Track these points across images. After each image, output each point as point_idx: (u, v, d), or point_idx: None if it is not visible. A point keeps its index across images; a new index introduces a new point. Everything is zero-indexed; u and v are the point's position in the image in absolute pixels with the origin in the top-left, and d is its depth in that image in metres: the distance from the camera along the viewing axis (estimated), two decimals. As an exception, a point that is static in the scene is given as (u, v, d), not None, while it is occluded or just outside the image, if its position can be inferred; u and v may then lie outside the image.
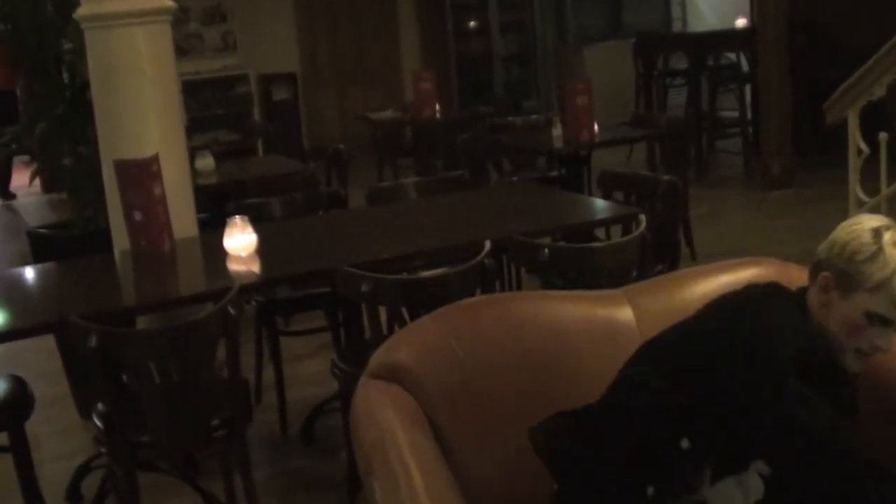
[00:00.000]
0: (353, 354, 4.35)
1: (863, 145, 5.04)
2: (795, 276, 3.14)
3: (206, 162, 6.99)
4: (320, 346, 6.06)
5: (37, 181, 7.83)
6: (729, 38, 11.90)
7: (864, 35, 8.33)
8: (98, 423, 3.87)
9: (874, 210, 5.08)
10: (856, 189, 5.13)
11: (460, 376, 2.89)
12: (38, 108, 6.35)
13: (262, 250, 4.51)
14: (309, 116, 14.28)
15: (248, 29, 13.65)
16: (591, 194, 7.12)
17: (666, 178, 5.46)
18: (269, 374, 5.49)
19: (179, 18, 5.29)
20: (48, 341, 5.03)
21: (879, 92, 4.96)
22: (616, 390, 2.69)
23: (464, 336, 2.97)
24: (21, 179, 11.10)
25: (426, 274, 4.41)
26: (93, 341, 3.57)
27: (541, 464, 2.80)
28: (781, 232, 8.37)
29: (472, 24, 15.13)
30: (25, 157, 11.68)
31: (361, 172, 9.18)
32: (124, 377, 3.82)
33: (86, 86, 5.35)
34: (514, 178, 7.81)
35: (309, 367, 6.01)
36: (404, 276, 4.31)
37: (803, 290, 2.67)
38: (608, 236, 5.56)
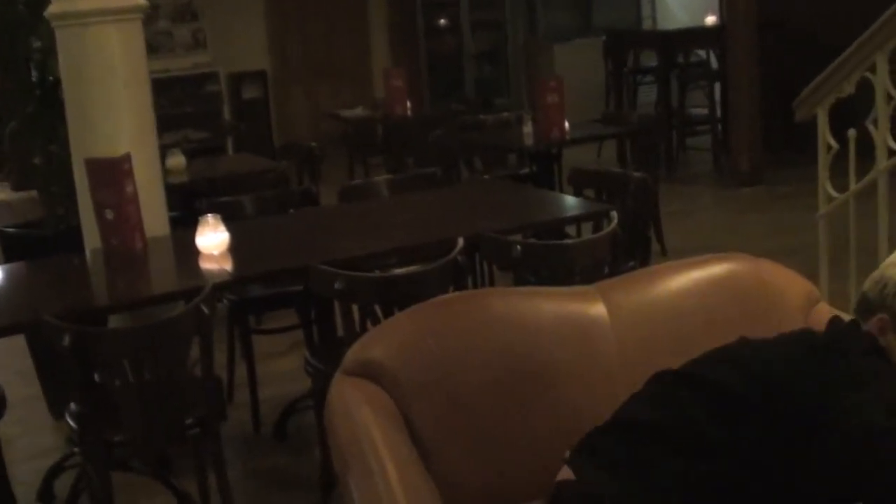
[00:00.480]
0: (326, 352, 4.36)
1: (832, 142, 5.07)
2: (767, 271, 3.17)
3: (177, 160, 6.96)
4: (292, 345, 6.06)
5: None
6: (698, 35, 11.97)
7: (832, 32, 8.37)
8: (71, 422, 3.86)
9: (843, 206, 5.12)
10: (825, 185, 5.15)
11: (435, 373, 2.90)
12: (9, 107, 6.30)
13: (235, 248, 4.51)
14: (279, 114, 14.24)
15: (218, 27, 13.59)
16: (562, 191, 7.13)
17: (637, 174, 5.48)
18: (241, 372, 5.49)
19: (149, 16, 5.27)
20: (19, 341, 5.01)
21: (848, 89, 4.98)
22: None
23: (438, 333, 2.98)
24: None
25: (400, 271, 4.42)
26: (66, 340, 3.56)
27: (515, 459, 2.82)
28: (751, 228, 8.42)
29: (442, 21, 15.13)
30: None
31: (332, 170, 9.17)
32: (96, 377, 3.81)
33: (57, 84, 5.33)
34: (486, 176, 7.82)
35: (281, 365, 6.01)
36: (377, 273, 4.31)
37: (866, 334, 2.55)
38: (579, 233, 5.58)
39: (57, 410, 5.31)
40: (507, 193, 5.85)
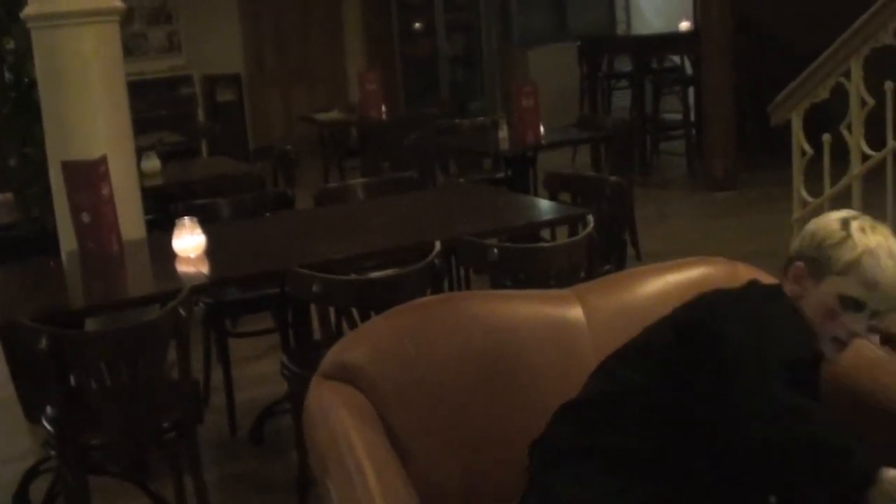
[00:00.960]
0: (303, 355, 4.36)
1: (807, 147, 5.11)
2: (743, 274, 3.18)
3: (152, 163, 6.94)
4: (268, 348, 6.05)
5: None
6: (672, 41, 12.01)
7: (805, 38, 8.43)
8: (48, 426, 3.85)
9: (817, 210, 5.16)
10: (800, 190, 5.19)
11: (413, 376, 2.91)
12: (-17, 108, 6.29)
13: (211, 252, 4.50)
14: (254, 118, 14.23)
15: (193, 29, 13.58)
16: (536, 195, 7.15)
17: (613, 179, 5.50)
18: (216, 376, 5.48)
19: (124, 18, 5.26)
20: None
21: (823, 94, 5.03)
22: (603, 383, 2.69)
23: (416, 336, 2.99)
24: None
25: (377, 274, 4.43)
26: (43, 343, 3.55)
27: (494, 462, 2.83)
28: (725, 232, 8.45)
29: (417, 24, 15.13)
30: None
31: (307, 173, 9.16)
32: (72, 380, 3.80)
33: (33, 86, 5.32)
34: (461, 180, 7.83)
35: (256, 369, 6.00)
36: (353, 276, 4.32)
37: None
38: (553, 237, 5.60)
39: (33, 414, 5.29)
40: (483, 197, 5.86)
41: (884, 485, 2.19)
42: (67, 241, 4.88)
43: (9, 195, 6.59)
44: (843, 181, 4.98)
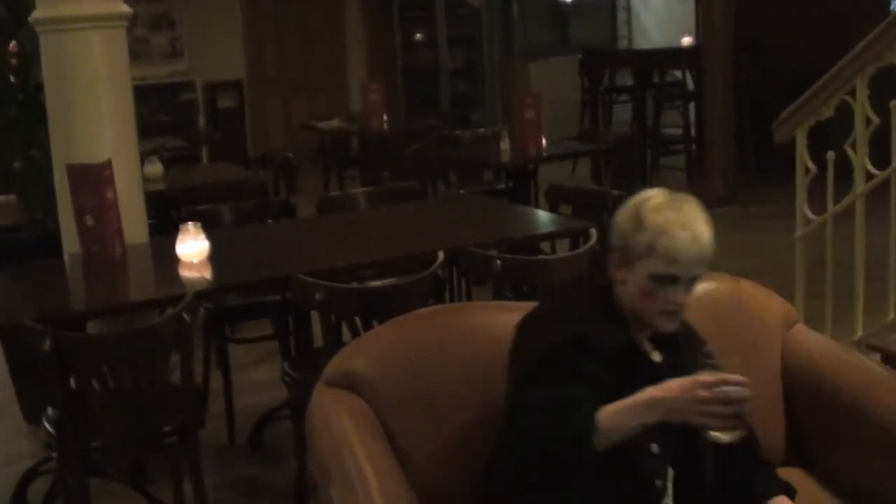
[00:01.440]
0: (304, 362, 4.37)
1: (810, 164, 5.11)
2: (746, 291, 3.21)
3: (155, 168, 6.96)
4: (267, 355, 6.06)
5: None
6: (674, 55, 12.03)
7: (806, 55, 8.47)
8: (49, 427, 3.85)
9: (820, 228, 5.17)
10: (803, 208, 5.19)
11: (416, 385, 2.93)
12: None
13: (214, 257, 4.51)
14: (254, 125, 14.25)
15: (195, 35, 13.60)
16: (537, 207, 7.16)
17: (615, 192, 5.51)
18: (216, 381, 5.48)
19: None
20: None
21: (827, 112, 5.03)
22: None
23: (420, 345, 3.02)
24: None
25: (379, 283, 4.44)
26: (47, 345, 3.56)
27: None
28: (724, 248, 8.32)
29: (419, 36, 15.16)
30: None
31: (306, 181, 9.16)
32: (73, 382, 3.81)
33: (39, 88, 5.33)
34: (462, 191, 7.85)
35: (255, 376, 6.01)
36: (355, 285, 4.33)
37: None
38: (553, 249, 5.61)
39: (32, 415, 5.29)
40: (486, 208, 5.88)
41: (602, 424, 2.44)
42: (70, 243, 4.90)
43: (12, 197, 6.60)
44: (847, 199, 4.98)
